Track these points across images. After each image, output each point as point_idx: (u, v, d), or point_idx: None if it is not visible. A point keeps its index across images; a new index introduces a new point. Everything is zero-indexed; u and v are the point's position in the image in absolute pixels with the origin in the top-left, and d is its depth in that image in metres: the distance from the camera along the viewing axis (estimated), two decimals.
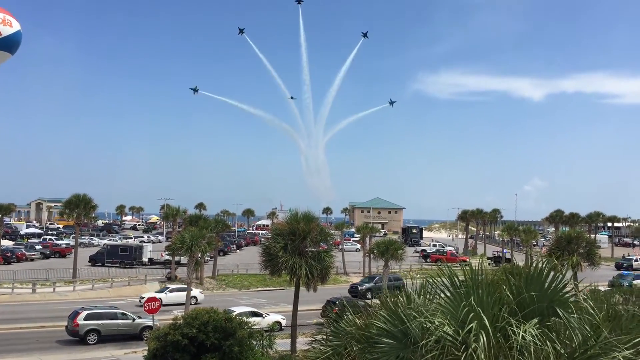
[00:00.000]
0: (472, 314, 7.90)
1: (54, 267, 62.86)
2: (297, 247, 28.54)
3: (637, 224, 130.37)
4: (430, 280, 9.66)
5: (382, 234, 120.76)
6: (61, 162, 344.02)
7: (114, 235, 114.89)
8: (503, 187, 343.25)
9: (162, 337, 23.00)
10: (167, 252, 65.22)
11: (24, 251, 76.55)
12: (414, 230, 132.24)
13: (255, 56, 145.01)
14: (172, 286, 51.27)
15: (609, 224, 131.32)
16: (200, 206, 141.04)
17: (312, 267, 28.46)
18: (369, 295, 50.88)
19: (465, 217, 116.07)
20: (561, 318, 7.95)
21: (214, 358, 22.51)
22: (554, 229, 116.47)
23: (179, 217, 78.77)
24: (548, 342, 7.53)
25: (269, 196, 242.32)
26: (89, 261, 72.91)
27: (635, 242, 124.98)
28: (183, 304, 42.43)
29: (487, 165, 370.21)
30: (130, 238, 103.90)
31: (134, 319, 36.56)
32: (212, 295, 54.86)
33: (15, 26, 48.90)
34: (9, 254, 72.43)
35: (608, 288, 44.18)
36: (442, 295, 8.87)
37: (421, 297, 9.43)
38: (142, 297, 46.89)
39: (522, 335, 7.53)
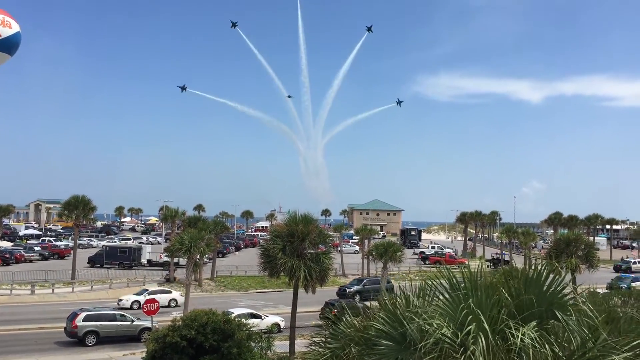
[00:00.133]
0: (470, 316, 7.91)
1: (52, 269, 62.84)
2: (295, 249, 28.53)
3: (635, 227, 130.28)
4: (429, 282, 9.68)
5: (380, 235, 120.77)
6: (60, 164, 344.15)
7: (112, 236, 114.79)
8: (502, 189, 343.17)
9: (161, 339, 22.98)
10: (165, 254, 65.19)
11: (22, 252, 76.46)
12: (413, 232, 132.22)
13: (255, 57, 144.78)
14: (151, 289, 50.69)
15: (608, 227, 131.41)
16: (199, 208, 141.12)
17: (311, 269, 28.45)
18: (357, 298, 50.81)
19: (464, 219, 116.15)
20: (560, 321, 7.97)
21: None
22: (552, 231, 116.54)
23: (178, 219, 78.73)
24: (547, 345, 7.54)
25: (268, 198, 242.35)
26: (88, 262, 72.81)
27: (634, 244, 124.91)
28: (161, 307, 42.44)
29: (486, 167, 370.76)
30: (129, 239, 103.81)
31: (132, 321, 36.53)
32: (210, 297, 54.84)
33: (15, 27, 48.88)
34: (7, 255, 72.37)
35: (606, 290, 44.19)
36: (441, 297, 8.88)
37: (420, 299, 9.45)
38: (121, 300, 47.03)
39: (521, 337, 7.54)
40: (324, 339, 11.53)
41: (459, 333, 7.79)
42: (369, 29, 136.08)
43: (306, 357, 11.87)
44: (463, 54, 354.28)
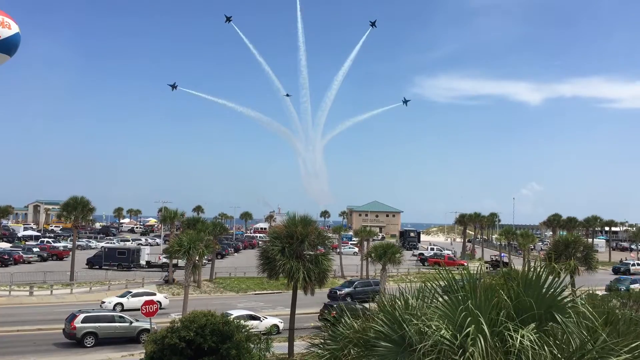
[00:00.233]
0: (469, 318, 7.91)
1: (51, 270, 62.80)
2: (294, 251, 28.53)
3: (634, 228, 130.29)
4: (428, 284, 9.68)
5: (379, 237, 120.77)
6: (59, 165, 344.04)
7: (111, 237, 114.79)
8: (501, 191, 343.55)
9: (160, 340, 22.97)
10: (164, 255, 65.16)
11: (21, 253, 76.41)
12: (412, 234, 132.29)
13: (254, 58, 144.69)
14: (134, 290, 50.15)
15: (607, 228, 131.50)
16: (198, 209, 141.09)
17: (310, 271, 28.44)
18: (348, 300, 50.70)
19: (463, 220, 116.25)
20: (559, 323, 7.96)
21: None
22: (551, 233, 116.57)
23: (177, 220, 78.82)
24: (545, 347, 7.54)
25: (267, 199, 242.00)
26: (87, 264, 72.75)
27: (633, 246, 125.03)
28: None
29: (484, 169, 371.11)
30: (128, 241, 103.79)
31: (131, 322, 36.50)
32: (209, 298, 54.81)
33: (14, 28, 48.88)
34: (6, 257, 72.31)
35: (605, 292, 44.21)
36: (440, 299, 8.88)
37: (419, 300, 9.44)
38: (103, 302, 46.60)
39: (520, 339, 7.54)
40: (322, 341, 11.53)
41: (457, 335, 7.79)
42: (373, 24, 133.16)
43: (305, 359, 11.87)
44: (462, 56, 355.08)
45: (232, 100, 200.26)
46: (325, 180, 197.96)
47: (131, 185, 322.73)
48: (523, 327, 7.82)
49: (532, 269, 8.82)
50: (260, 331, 33.68)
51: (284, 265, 28.06)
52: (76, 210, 62.80)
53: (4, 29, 47.73)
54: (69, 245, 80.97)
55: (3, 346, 34.49)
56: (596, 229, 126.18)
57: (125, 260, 73.23)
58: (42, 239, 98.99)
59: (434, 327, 8.00)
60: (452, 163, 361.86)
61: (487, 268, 71.89)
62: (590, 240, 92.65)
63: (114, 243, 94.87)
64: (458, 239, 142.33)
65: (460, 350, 7.68)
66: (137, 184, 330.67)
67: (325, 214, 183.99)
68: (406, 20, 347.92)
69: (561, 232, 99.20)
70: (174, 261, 61.28)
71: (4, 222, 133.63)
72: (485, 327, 7.72)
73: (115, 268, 70.90)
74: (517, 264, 61.39)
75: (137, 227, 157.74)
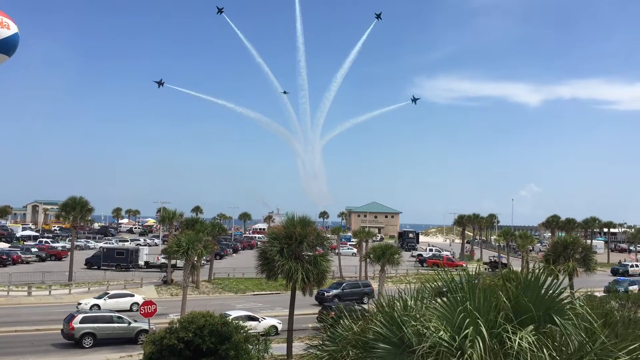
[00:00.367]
0: (468, 320, 7.90)
1: (49, 270, 62.72)
2: (293, 251, 28.50)
3: (633, 230, 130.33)
4: (427, 285, 9.68)
5: (378, 238, 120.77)
6: (58, 165, 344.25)
7: (110, 238, 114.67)
8: (500, 192, 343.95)
9: (158, 341, 22.96)
10: (163, 256, 65.10)
11: (19, 254, 76.32)
12: (411, 235, 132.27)
13: (254, 60, 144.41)
14: (111, 292, 49.49)
15: (605, 230, 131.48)
16: (197, 209, 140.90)
17: (309, 272, 28.42)
18: (335, 302, 50.54)
19: (462, 222, 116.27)
20: (557, 324, 7.96)
21: None
22: (550, 234, 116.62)
23: (176, 221, 78.80)
24: (544, 349, 7.53)
25: (266, 200, 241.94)
26: (85, 264, 72.68)
27: (631, 247, 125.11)
28: (122, 311, 42.27)
29: (483, 170, 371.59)
30: (127, 241, 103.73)
31: (129, 323, 36.46)
32: (208, 299, 54.78)
33: (13, 28, 48.84)
34: (4, 257, 72.21)
35: (604, 294, 44.23)
36: (439, 300, 8.87)
37: (417, 302, 9.44)
38: (80, 303, 45.91)
39: (518, 341, 7.53)
40: (321, 342, 11.53)
41: (456, 336, 7.79)
42: (378, 16, 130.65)
43: None
44: (462, 57, 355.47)
45: (232, 100, 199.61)
46: (324, 181, 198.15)
47: (130, 185, 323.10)
48: (521, 328, 7.81)
49: (530, 271, 8.82)
50: (258, 332, 33.66)
51: (282, 266, 28.03)
52: (75, 210, 62.71)
53: (3, 29, 47.70)
54: (68, 245, 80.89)
55: (1, 347, 34.44)
56: (595, 230, 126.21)
57: (123, 260, 73.15)
58: (41, 239, 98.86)
59: (432, 329, 7.99)
60: (451, 164, 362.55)
61: (485, 269, 71.98)
62: (588, 241, 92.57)
63: (112, 243, 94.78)
64: (457, 240, 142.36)
65: (459, 352, 7.67)
66: (136, 184, 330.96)
67: (324, 214, 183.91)
68: (406, 21, 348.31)
69: (560, 234, 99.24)
70: (173, 262, 61.18)
71: (3, 222, 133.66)
72: (483, 329, 7.71)
73: (114, 268, 70.81)
74: (516, 265, 61.56)
75: (135, 228, 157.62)
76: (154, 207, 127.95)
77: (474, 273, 9.20)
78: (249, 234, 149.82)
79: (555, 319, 8.00)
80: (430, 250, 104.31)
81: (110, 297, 46.79)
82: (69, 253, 65.60)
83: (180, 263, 55.39)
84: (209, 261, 66.24)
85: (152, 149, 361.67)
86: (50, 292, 53.89)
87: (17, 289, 54.14)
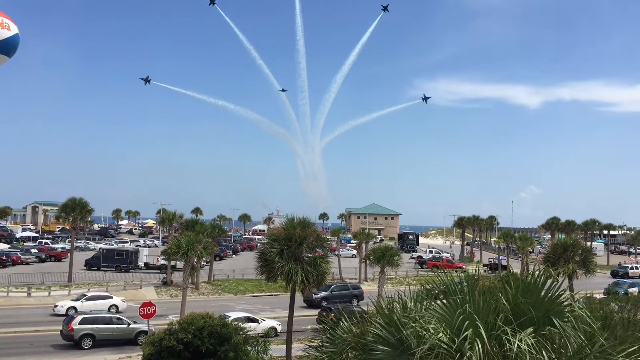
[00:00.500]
0: (467, 322, 7.89)
1: (49, 271, 62.69)
2: (293, 253, 28.47)
3: (632, 232, 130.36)
4: (426, 287, 9.67)
5: (378, 240, 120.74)
6: (58, 166, 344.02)
7: (110, 239, 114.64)
8: (499, 194, 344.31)
9: (157, 343, 22.94)
10: (163, 257, 65.05)
11: (19, 254, 76.31)
12: (410, 237, 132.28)
13: (253, 61, 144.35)
14: (89, 294, 48.64)
15: (605, 232, 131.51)
16: (197, 211, 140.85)
17: (308, 273, 28.38)
18: (324, 304, 50.37)
19: (462, 223, 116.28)
20: (557, 327, 7.95)
21: None
22: (550, 236, 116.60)
23: (175, 222, 78.67)
24: (543, 351, 7.53)
25: (266, 201, 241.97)
26: (85, 265, 72.65)
27: (631, 250, 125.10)
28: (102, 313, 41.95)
29: (483, 172, 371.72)
30: (126, 242, 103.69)
31: (129, 324, 36.45)
32: (207, 300, 54.72)
33: (13, 29, 48.84)
34: (4, 258, 72.20)
35: (604, 296, 44.21)
36: (438, 302, 8.87)
37: (417, 304, 9.43)
38: (56, 306, 45.48)
39: (518, 344, 7.53)
40: (320, 344, 11.52)
41: (455, 338, 7.78)
42: (385, 9, 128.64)
43: None
44: (462, 59, 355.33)
45: (232, 102, 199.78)
46: (324, 182, 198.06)
47: (130, 186, 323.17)
48: (521, 331, 7.80)
49: (530, 273, 8.81)
50: (258, 333, 33.65)
51: (282, 267, 28.00)
52: (74, 211, 62.70)
53: (3, 30, 47.71)
54: (67, 246, 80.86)
55: (1, 347, 34.42)
56: (595, 232, 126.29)
57: (123, 261, 73.13)
58: (40, 240, 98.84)
59: (431, 331, 7.98)
60: (451, 166, 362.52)
61: (485, 271, 71.98)
62: (588, 243, 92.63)
63: (112, 244, 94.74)
64: (457, 242, 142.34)
65: (458, 354, 7.66)
66: (136, 186, 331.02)
67: (323, 216, 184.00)
68: (406, 23, 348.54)
69: (560, 235, 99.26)
70: (172, 263, 61.22)
71: (3, 223, 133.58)
72: (482, 331, 7.70)
73: (114, 270, 70.78)
74: (516, 267, 61.61)
75: (135, 229, 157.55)
76: (154, 209, 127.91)
77: (473, 275, 9.19)
78: (249, 235, 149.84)
79: (555, 321, 7.99)
80: (430, 252, 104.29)
81: (87, 299, 45.96)
82: (69, 254, 65.61)
83: (179, 264, 55.37)
84: (209, 262, 66.23)
85: (152, 150, 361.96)
86: (49, 293, 53.83)
87: (16, 290, 54.11)
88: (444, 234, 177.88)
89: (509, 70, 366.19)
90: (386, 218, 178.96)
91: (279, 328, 39.80)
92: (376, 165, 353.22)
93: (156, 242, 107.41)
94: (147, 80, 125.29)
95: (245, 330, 25.69)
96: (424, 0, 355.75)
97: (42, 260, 78.09)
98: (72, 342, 35.02)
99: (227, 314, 37.24)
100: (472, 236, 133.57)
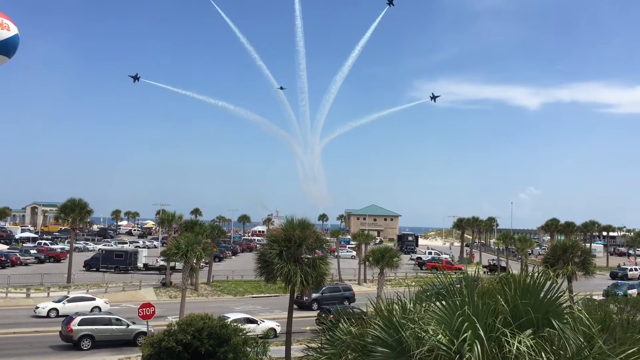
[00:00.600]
0: (466, 324, 7.89)
1: (48, 272, 62.64)
2: (292, 254, 28.46)
3: (632, 234, 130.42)
4: (426, 289, 9.67)
5: (377, 241, 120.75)
6: (57, 166, 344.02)
7: (109, 240, 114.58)
8: (499, 195, 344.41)
9: (156, 344, 22.93)
10: (162, 258, 65.10)
11: (18, 255, 76.24)
12: (410, 238, 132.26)
13: (254, 64, 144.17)
14: (71, 295, 48.15)
15: (604, 233, 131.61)
16: (196, 212, 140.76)
17: (308, 274, 28.37)
18: (314, 306, 50.33)
19: (461, 225, 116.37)
20: (555, 329, 7.96)
21: None
22: (549, 237, 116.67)
23: (175, 223, 78.60)
24: (542, 353, 7.53)
25: (265, 202, 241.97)
26: (84, 266, 72.62)
27: (630, 251, 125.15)
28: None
29: (483, 173, 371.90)
30: (126, 243, 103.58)
31: (128, 325, 36.44)
32: (207, 302, 54.71)
33: (13, 30, 48.80)
34: (3, 258, 72.14)
35: (603, 297, 44.23)
36: (437, 303, 8.87)
37: (416, 305, 9.43)
38: (37, 307, 45.08)
39: (517, 345, 7.53)
40: (320, 345, 11.52)
41: (454, 340, 7.78)
42: (390, 2, 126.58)
43: None
44: (462, 60, 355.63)
45: (232, 102, 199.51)
46: (324, 183, 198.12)
47: (129, 187, 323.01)
48: (520, 332, 7.81)
49: (529, 274, 8.81)
50: (257, 335, 33.61)
51: (281, 268, 27.99)
52: (74, 212, 62.69)
53: (3, 30, 47.70)
54: (67, 247, 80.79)
55: (0, 348, 34.40)
56: (594, 233, 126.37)
57: (122, 262, 73.14)
58: (40, 241, 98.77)
59: (430, 332, 7.98)
60: (451, 167, 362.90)
61: (485, 272, 71.99)
62: (588, 245, 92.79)
63: (111, 245, 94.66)
64: (456, 243, 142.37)
65: (457, 356, 7.67)
66: (135, 186, 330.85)
67: (323, 217, 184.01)
68: (406, 24, 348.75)
69: (559, 237, 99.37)
70: (172, 264, 61.20)
71: (2, 223, 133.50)
72: (482, 333, 7.71)
73: (113, 270, 70.79)
74: (515, 268, 61.58)
75: (134, 230, 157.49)
76: (153, 209, 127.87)
77: (472, 276, 9.19)
78: (248, 236, 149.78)
79: (554, 322, 8.00)
80: (430, 253, 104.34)
81: (69, 301, 45.53)
82: (68, 255, 65.59)
83: (179, 265, 55.34)
84: (208, 263, 66.21)
85: (151, 150, 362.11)
86: (49, 294, 53.79)
87: (15, 291, 54.09)
88: (444, 235, 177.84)
89: (509, 72, 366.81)
90: (385, 219, 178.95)
91: (278, 329, 39.80)
92: (376, 166, 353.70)
93: (155, 243, 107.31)
94: (136, 78, 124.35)
95: (245, 332, 25.68)
96: (424, 2, 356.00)
97: (41, 261, 78.03)
98: (72, 343, 35.00)
99: (227, 315, 37.22)
100: (471, 237, 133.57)
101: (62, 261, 77.64)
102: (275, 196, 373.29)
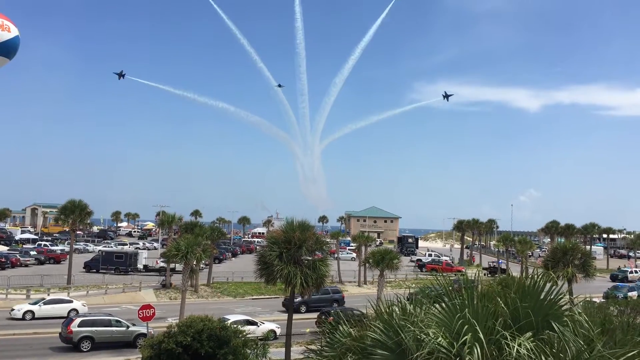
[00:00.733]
0: (466, 326, 7.89)
1: (48, 273, 62.60)
2: (292, 256, 28.46)
3: (632, 236, 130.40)
4: (426, 291, 9.67)
5: (377, 243, 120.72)
6: (57, 168, 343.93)
7: (109, 241, 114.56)
8: (499, 197, 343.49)
9: (156, 345, 22.92)
10: (162, 259, 65.07)
11: (18, 257, 76.22)
12: (410, 240, 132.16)
13: (254, 65, 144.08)
14: (47, 297, 47.30)
15: (605, 236, 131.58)
16: (196, 213, 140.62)
17: (307, 276, 28.38)
18: (302, 309, 50.05)
19: (461, 227, 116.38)
20: (556, 331, 7.95)
21: None
22: (549, 239, 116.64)
23: (175, 224, 78.65)
24: (542, 356, 7.53)
25: (265, 204, 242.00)
26: (84, 267, 72.63)
27: (631, 254, 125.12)
28: (59, 318, 41.83)
29: (483, 175, 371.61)
30: (126, 245, 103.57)
31: (128, 326, 36.42)
32: (206, 303, 54.69)
33: (14, 31, 48.87)
34: (3, 260, 72.11)
35: (603, 300, 44.19)
36: (437, 306, 8.87)
37: (416, 307, 9.42)
38: (13, 309, 44.46)
39: (517, 348, 7.53)
40: (319, 347, 11.51)
41: (454, 343, 7.77)
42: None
43: None
44: (462, 62, 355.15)
45: (233, 104, 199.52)
46: (324, 185, 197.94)
47: (129, 188, 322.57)
48: (520, 335, 7.80)
49: (529, 277, 8.81)
50: (257, 336, 33.61)
51: (281, 270, 27.99)
52: (74, 213, 62.73)
53: (4, 31, 47.75)
54: (67, 248, 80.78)
55: (0, 350, 34.44)
56: (594, 236, 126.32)
57: (122, 264, 73.12)
58: (40, 242, 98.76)
59: (430, 335, 7.98)
60: (451, 169, 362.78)
61: (485, 274, 71.99)
62: (588, 247, 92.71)
63: (111, 247, 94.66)
64: (456, 245, 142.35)
65: (457, 359, 7.66)
66: (135, 188, 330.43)
67: (323, 219, 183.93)
68: (406, 26, 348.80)
69: (559, 239, 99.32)
70: (172, 265, 61.18)
71: (2, 224, 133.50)
72: (481, 336, 7.70)
73: (113, 272, 70.77)
74: (515, 270, 61.60)
75: (134, 231, 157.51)
76: (153, 211, 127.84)
77: (472, 279, 9.19)
78: (248, 238, 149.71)
79: (554, 325, 8.00)
80: (430, 255, 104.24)
81: (45, 303, 45.01)
82: (68, 256, 65.58)
83: (179, 267, 55.35)
84: (208, 265, 66.20)
85: (151, 152, 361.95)
86: (48, 295, 53.74)
87: (15, 292, 54.07)
88: (444, 237, 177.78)
89: (509, 74, 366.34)
90: (385, 221, 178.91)
91: (278, 331, 39.79)
92: (376, 168, 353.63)
93: (155, 244, 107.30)
94: (121, 75, 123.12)
95: (245, 333, 25.68)
96: (424, 4, 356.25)
97: (41, 263, 77.98)
98: (71, 344, 34.99)
99: (226, 316, 37.22)
100: (471, 239, 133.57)
101: (62, 262, 77.63)
102: (275, 198, 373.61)
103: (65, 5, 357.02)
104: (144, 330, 34.64)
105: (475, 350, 7.55)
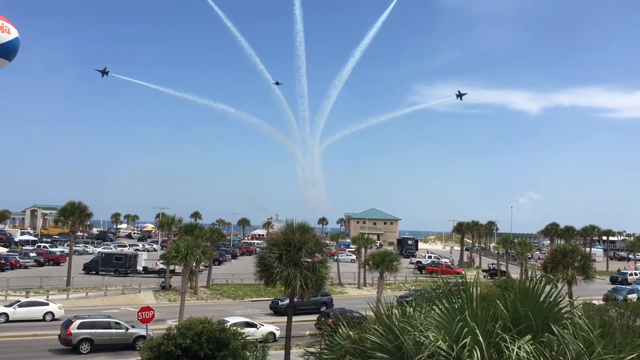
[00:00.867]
0: (466, 329, 7.88)
1: (47, 275, 62.59)
2: (292, 258, 28.43)
3: (632, 238, 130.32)
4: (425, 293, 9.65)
5: (377, 245, 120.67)
6: (57, 169, 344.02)
7: (108, 243, 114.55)
8: (499, 199, 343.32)
9: (156, 348, 22.91)
10: (161, 261, 65.02)
11: (17, 258, 76.17)
12: (410, 242, 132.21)
13: (254, 67, 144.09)
14: (23, 300, 46.64)
15: (604, 238, 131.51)
16: (196, 215, 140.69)
17: (307, 278, 28.33)
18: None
19: (461, 229, 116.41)
20: (555, 334, 7.94)
21: None
22: (549, 242, 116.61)
23: (174, 226, 78.65)
24: (542, 359, 7.51)
25: (265, 206, 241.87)
26: (83, 269, 72.59)
27: (630, 256, 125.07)
28: (34, 321, 41.78)
29: (483, 177, 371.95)
30: (125, 246, 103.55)
31: (127, 329, 36.37)
32: (206, 305, 54.66)
33: (14, 33, 48.89)
34: (2, 261, 72.04)
35: (603, 302, 44.19)
36: (437, 309, 8.85)
37: (416, 310, 9.41)
38: None
39: (516, 351, 7.52)
40: (319, 350, 11.50)
41: (454, 346, 7.76)
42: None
43: None
44: (461, 64, 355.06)
45: (233, 106, 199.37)
46: (324, 187, 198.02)
47: (129, 190, 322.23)
48: (519, 338, 7.79)
49: (529, 279, 8.80)
50: (256, 339, 33.60)
51: (281, 272, 27.95)
52: (73, 215, 62.71)
53: (4, 33, 47.76)
54: (66, 250, 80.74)
55: None
56: (594, 238, 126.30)
57: (122, 266, 73.06)
58: (39, 244, 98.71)
59: (430, 338, 7.97)
60: (451, 171, 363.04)
61: (485, 277, 71.97)
62: (587, 249, 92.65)
63: (111, 248, 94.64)
64: (456, 247, 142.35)
65: None
66: (135, 190, 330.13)
67: (323, 221, 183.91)
68: (406, 28, 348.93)
69: (559, 241, 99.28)
70: (171, 267, 61.12)
71: (1, 226, 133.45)
72: (481, 338, 7.69)
73: (112, 274, 70.69)
74: (515, 272, 61.52)
75: (134, 233, 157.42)
76: (153, 213, 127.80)
77: (472, 281, 9.17)
78: (248, 239, 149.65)
79: (553, 328, 7.98)
80: (429, 257, 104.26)
81: (20, 306, 44.42)
82: (67, 258, 65.55)
83: (178, 269, 55.28)
84: (208, 267, 66.15)
85: (151, 154, 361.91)
86: (48, 297, 53.68)
87: (14, 294, 53.94)
88: (443, 239, 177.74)
89: (509, 76, 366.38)
90: (385, 223, 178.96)
91: (277, 333, 39.76)
92: (376, 170, 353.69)
93: (155, 246, 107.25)
94: (104, 72, 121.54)
95: (244, 336, 25.69)
96: (424, 6, 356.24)
97: (40, 264, 77.89)
98: (70, 346, 34.94)
99: (226, 318, 37.17)
100: (471, 241, 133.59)
101: (61, 264, 77.58)
102: (275, 200, 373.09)
103: (65, 8, 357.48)
104: (143, 332, 34.62)
105: (475, 353, 7.54)
